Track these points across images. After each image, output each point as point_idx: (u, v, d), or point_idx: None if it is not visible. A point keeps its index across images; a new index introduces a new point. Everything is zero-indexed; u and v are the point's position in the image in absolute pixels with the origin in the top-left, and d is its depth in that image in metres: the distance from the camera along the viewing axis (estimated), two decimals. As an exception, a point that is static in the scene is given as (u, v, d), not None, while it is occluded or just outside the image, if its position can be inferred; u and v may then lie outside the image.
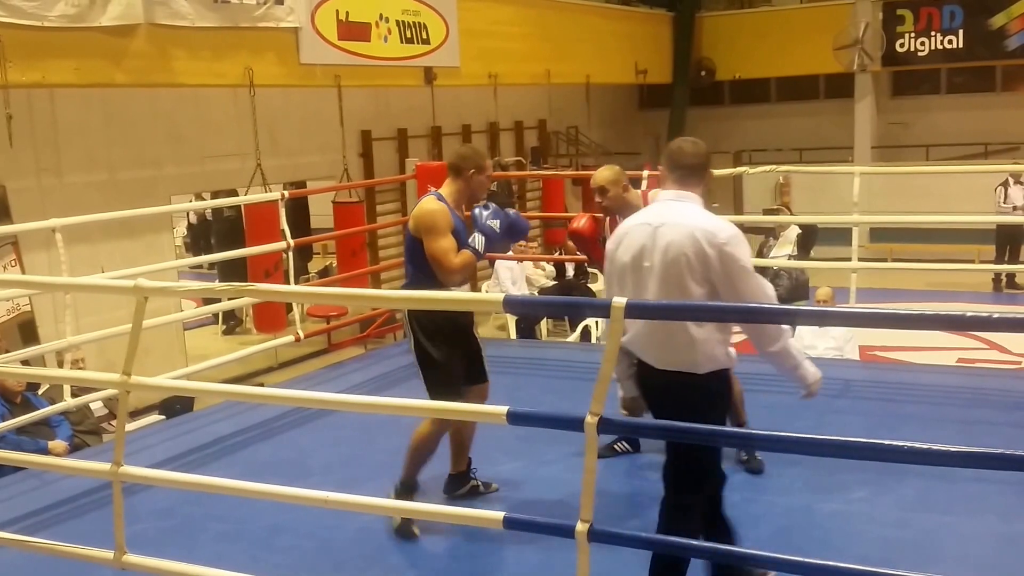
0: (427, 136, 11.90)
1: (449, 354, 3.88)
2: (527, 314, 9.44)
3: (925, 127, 16.10)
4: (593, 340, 8.76)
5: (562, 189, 12.65)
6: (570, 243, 12.94)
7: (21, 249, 7.62)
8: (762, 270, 4.49)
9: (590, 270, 12.91)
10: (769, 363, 3.09)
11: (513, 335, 9.62)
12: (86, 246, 7.58)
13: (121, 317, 4.68)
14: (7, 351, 6.22)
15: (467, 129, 12.71)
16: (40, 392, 6.29)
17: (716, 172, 7.90)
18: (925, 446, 2.24)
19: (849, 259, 6.56)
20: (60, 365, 6.66)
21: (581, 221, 4.63)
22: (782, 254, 9.49)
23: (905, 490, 4.06)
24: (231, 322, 11.87)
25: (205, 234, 14.32)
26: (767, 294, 3.02)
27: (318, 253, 14.33)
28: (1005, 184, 11.94)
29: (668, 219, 3.02)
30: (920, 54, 15.35)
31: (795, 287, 8.57)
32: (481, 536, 3.80)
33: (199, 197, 11.14)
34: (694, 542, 2.90)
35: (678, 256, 2.95)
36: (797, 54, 15.58)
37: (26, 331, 7.68)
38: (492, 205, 3.98)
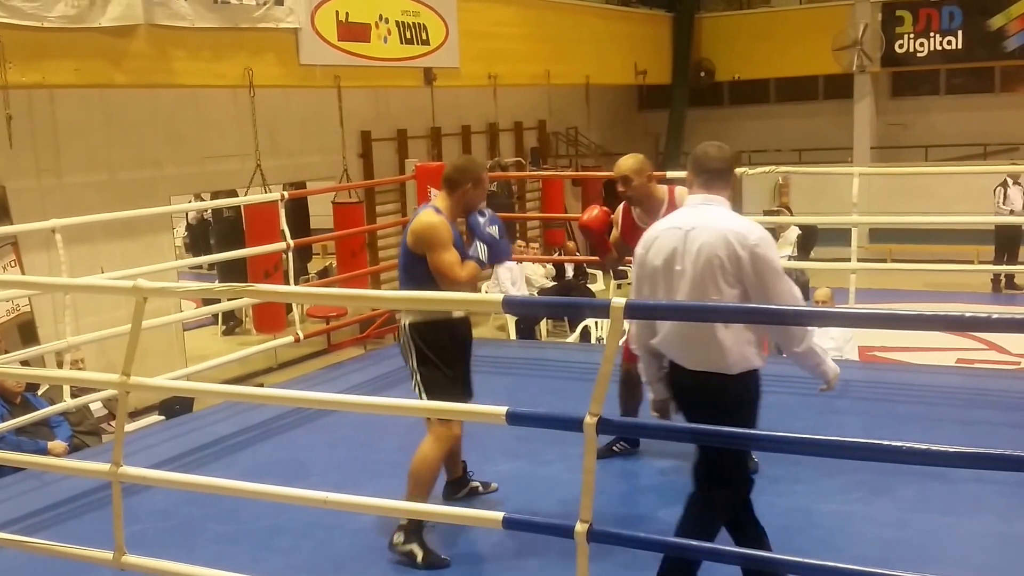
0: (427, 137, 11.91)
1: (454, 372, 3.79)
2: (527, 314, 9.44)
3: (924, 128, 16.11)
4: (592, 340, 8.76)
5: (561, 190, 12.65)
6: (569, 244, 13.00)
7: (21, 249, 7.62)
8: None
9: (589, 271, 12.94)
10: (794, 362, 3.11)
11: (513, 335, 9.62)
12: (86, 246, 7.58)
13: (121, 317, 4.68)
14: (7, 351, 6.23)
15: (467, 130, 12.71)
16: (40, 393, 6.29)
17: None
18: (924, 446, 2.24)
19: (848, 260, 6.57)
20: (59, 366, 6.66)
21: (592, 212, 4.55)
22: (782, 255, 9.46)
23: (904, 490, 4.06)
24: (231, 323, 11.87)
25: (204, 235, 14.32)
26: (795, 296, 3.05)
27: (318, 254, 14.34)
28: (1004, 185, 11.95)
29: (698, 222, 3.05)
30: (919, 55, 15.36)
31: (795, 288, 8.55)
32: (481, 536, 3.80)
33: (199, 198, 11.15)
34: (693, 542, 2.90)
35: (710, 258, 2.98)
36: (796, 55, 15.59)
37: (26, 332, 7.68)
38: (488, 211, 3.91)
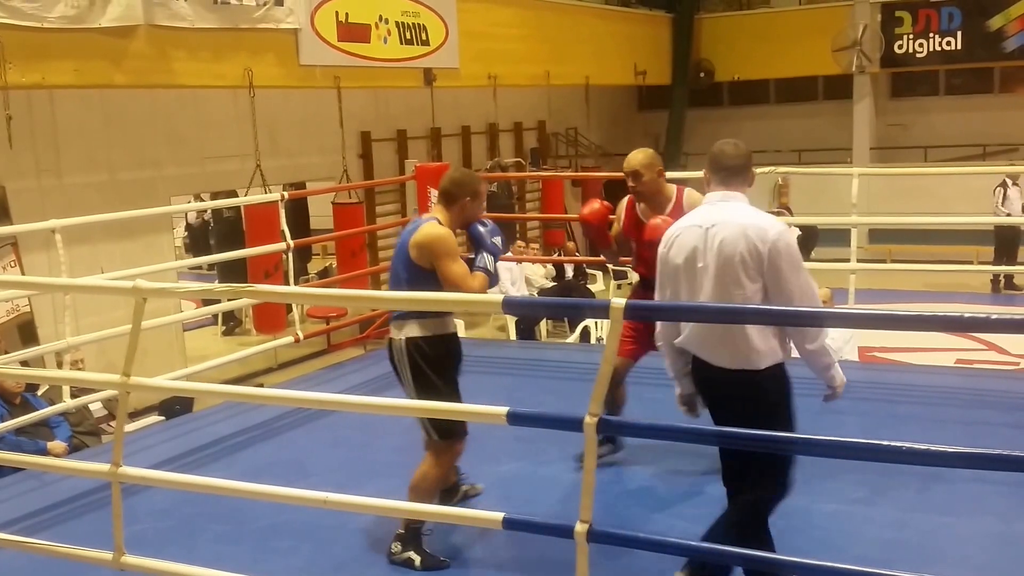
0: (427, 137, 11.91)
1: (452, 389, 3.72)
2: (526, 315, 9.44)
3: (923, 128, 16.12)
4: (592, 341, 8.76)
5: (561, 190, 12.65)
6: (569, 244, 12.99)
7: (21, 250, 7.62)
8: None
9: (589, 271, 12.94)
10: (804, 360, 3.12)
11: (513, 336, 9.62)
12: (86, 247, 7.58)
13: (120, 318, 4.68)
14: (6, 352, 6.23)
15: (466, 130, 12.72)
16: (39, 393, 6.28)
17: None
18: (924, 447, 2.24)
19: (848, 260, 6.57)
20: (59, 366, 6.66)
21: (593, 206, 4.52)
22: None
23: (904, 491, 4.06)
24: (231, 323, 11.87)
25: (204, 235, 14.32)
26: (813, 291, 3.07)
27: (317, 254, 14.34)
28: (1003, 185, 11.95)
29: (719, 219, 3.09)
30: (918, 55, 15.37)
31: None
32: (481, 537, 3.80)
33: (198, 198, 11.15)
34: (693, 543, 2.91)
35: (731, 254, 3.01)
36: (796, 56, 15.60)
37: (25, 332, 7.68)
38: (488, 222, 3.84)
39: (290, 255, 6.35)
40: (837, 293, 7.04)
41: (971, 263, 11.88)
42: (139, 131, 8.68)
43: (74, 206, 7.09)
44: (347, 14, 9.45)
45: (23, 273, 7.49)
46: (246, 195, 8.71)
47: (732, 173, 3.19)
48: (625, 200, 4.43)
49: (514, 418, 2.70)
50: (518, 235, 12.54)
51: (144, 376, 3.30)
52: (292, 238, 6.37)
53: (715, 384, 3.13)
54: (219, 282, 10.02)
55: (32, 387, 6.17)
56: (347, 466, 4.66)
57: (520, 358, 7.02)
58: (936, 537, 3.75)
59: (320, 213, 11.32)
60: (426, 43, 10.53)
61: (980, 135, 15.50)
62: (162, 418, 7.10)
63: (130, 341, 3.14)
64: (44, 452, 5.62)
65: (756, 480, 3.10)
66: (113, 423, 6.01)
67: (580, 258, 12.21)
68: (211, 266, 12.59)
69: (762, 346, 3.02)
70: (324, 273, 12.74)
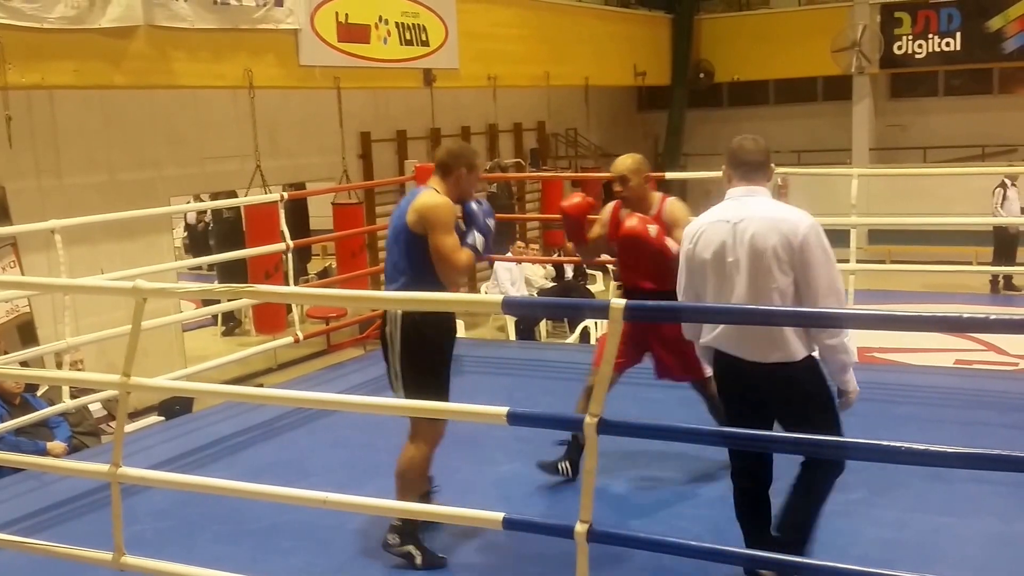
0: (426, 138, 11.91)
1: (443, 371, 3.67)
2: (526, 315, 9.44)
3: (923, 129, 16.13)
4: (592, 341, 8.75)
5: (561, 191, 12.64)
6: (569, 245, 12.98)
7: (20, 250, 7.62)
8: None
9: (589, 272, 12.93)
10: (822, 356, 3.12)
11: (512, 336, 9.62)
12: (85, 247, 7.58)
13: (120, 318, 4.68)
14: (6, 352, 6.23)
15: (466, 131, 12.72)
16: (39, 393, 6.29)
17: (714, 174, 7.94)
18: (923, 447, 2.24)
19: (847, 261, 6.56)
20: (59, 366, 6.66)
21: (573, 199, 4.44)
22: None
23: (903, 491, 4.06)
24: (230, 323, 11.87)
25: (204, 236, 14.33)
26: (839, 287, 3.09)
27: (317, 254, 14.34)
28: (1003, 186, 11.95)
29: (747, 214, 3.09)
30: (918, 56, 15.38)
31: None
32: (480, 537, 3.80)
33: (198, 198, 11.15)
34: (694, 543, 2.91)
35: (764, 248, 3.01)
36: (795, 56, 15.61)
37: (25, 332, 7.68)
38: (484, 202, 3.81)
39: (290, 255, 6.35)
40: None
41: (970, 264, 11.88)
42: (139, 131, 8.68)
43: (74, 206, 7.09)
44: (347, 15, 9.46)
45: (23, 273, 7.49)
46: (246, 195, 8.71)
47: (753, 168, 3.20)
48: (611, 205, 4.37)
49: (514, 418, 2.70)
50: (518, 235, 12.54)
51: (144, 376, 3.30)
52: (292, 239, 6.37)
53: (749, 378, 3.11)
54: (219, 282, 10.03)
55: (32, 387, 6.17)
56: (347, 466, 4.66)
57: (520, 358, 7.02)
58: (936, 537, 3.75)
59: (320, 213, 11.32)
60: (426, 44, 10.54)
61: (979, 136, 15.52)
62: (162, 418, 7.10)
63: (130, 341, 3.13)
64: (44, 452, 5.62)
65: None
66: (113, 423, 6.01)
67: (580, 258, 12.19)
68: (211, 266, 12.60)
69: (797, 337, 3.04)
70: (324, 273, 12.75)
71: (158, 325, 5.85)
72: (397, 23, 10.15)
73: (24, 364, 5.98)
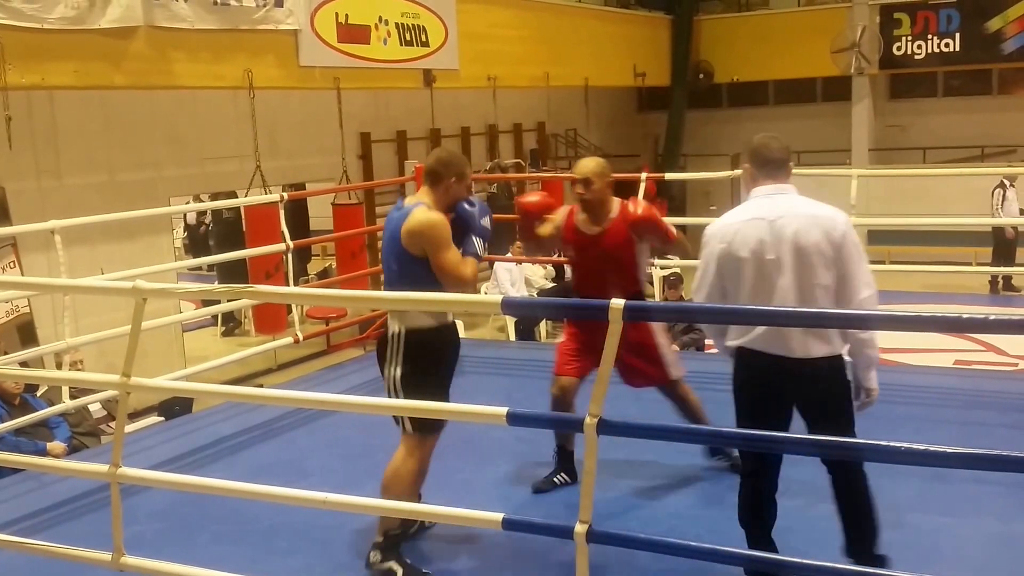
0: (426, 138, 11.91)
1: (445, 386, 3.61)
2: (526, 316, 9.44)
3: (922, 130, 16.13)
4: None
5: (561, 191, 12.65)
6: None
7: (20, 251, 7.62)
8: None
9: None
10: (850, 350, 3.12)
11: (512, 337, 9.63)
12: (85, 248, 7.58)
13: (120, 319, 4.67)
14: (6, 352, 6.23)
15: (466, 131, 12.72)
16: (39, 393, 6.29)
17: (714, 175, 7.95)
18: (922, 447, 2.24)
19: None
20: (59, 367, 6.66)
21: (533, 197, 4.39)
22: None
23: (902, 491, 4.06)
24: (230, 323, 11.87)
25: (204, 236, 14.33)
26: (872, 282, 3.10)
27: (317, 255, 14.33)
28: (1002, 187, 11.95)
29: (783, 211, 3.08)
30: (917, 57, 15.38)
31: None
32: (480, 537, 3.80)
33: (198, 199, 11.15)
34: (693, 544, 2.91)
35: (807, 245, 3.02)
36: (795, 57, 15.61)
37: (25, 333, 7.68)
38: (476, 202, 3.68)
39: (290, 256, 6.35)
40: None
41: (970, 264, 11.89)
42: (139, 132, 8.69)
43: (74, 207, 7.09)
44: (347, 15, 9.46)
45: (23, 274, 7.49)
46: (246, 196, 8.71)
47: (778, 166, 3.21)
48: (567, 208, 4.31)
49: (514, 418, 2.70)
50: (518, 236, 12.53)
51: (144, 377, 3.30)
52: (292, 239, 6.37)
53: (802, 376, 3.07)
54: (219, 283, 10.03)
55: (31, 388, 6.17)
56: (347, 466, 4.65)
57: (519, 359, 7.02)
58: (935, 537, 3.75)
59: (320, 214, 11.32)
60: (426, 44, 10.54)
61: (978, 137, 15.52)
62: (161, 419, 7.11)
63: (130, 342, 3.14)
64: (43, 453, 5.62)
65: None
66: (112, 424, 6.01)
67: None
68: (211, 267, 12.60)
69: (838, 331, 3.06)
70: (324, 274, 12.75)
71: (158, 325, 5.85)
72: (397, 24, 10.15)
73: (24, 364, 5.97)
